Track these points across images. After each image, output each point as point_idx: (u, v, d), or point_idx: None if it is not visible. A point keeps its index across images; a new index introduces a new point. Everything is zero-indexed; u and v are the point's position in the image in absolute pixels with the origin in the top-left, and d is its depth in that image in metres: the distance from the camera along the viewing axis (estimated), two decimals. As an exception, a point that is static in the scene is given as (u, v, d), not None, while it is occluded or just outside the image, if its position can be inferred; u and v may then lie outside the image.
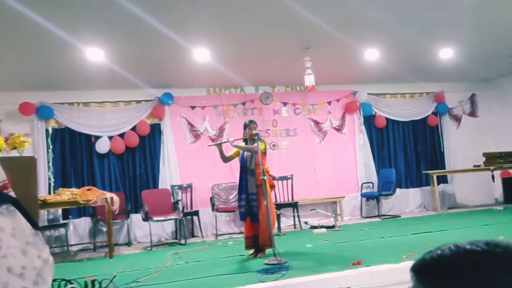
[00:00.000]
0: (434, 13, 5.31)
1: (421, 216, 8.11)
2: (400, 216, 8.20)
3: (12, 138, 3.87)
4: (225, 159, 5.13)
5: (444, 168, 9.16)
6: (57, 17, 4.55)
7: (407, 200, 8.92)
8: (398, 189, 8.57)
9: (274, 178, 5.38)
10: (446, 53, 6.91)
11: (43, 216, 6.80)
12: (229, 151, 5.25)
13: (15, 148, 3.87)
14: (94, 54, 5.64)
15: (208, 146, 5.50)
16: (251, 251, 5.02)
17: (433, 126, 9.30)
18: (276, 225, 6.04)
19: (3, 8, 4.12)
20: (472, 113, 9.55)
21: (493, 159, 8.47)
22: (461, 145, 9.23)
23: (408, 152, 9.13)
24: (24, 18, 4.40)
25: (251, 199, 4.92)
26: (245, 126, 5.14)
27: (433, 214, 8.22)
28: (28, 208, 3.65)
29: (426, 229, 6.14)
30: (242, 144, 5.12)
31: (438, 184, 8.74)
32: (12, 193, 3.63)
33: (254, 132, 5.00)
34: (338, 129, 8.72)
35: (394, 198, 8.59)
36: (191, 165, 7.81)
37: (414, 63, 7.63)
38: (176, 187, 7.62)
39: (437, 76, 8.67)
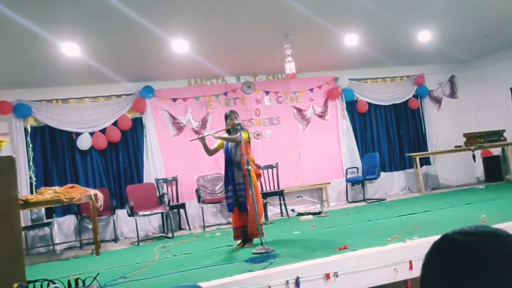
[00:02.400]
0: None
1: (405, 198, 8.21)
2: (385, 199, 8.30)
3: (-11, 138, 3.78)
4: (210, 152, 5.08)
5: (427, 150, 9.29)
6: (30, 11, 4.43)
7: (391, 183, 9.02)
8: (382, 173, 8.66)
9: (259, 167, 5.37)
10: (424, 36, 6.95)
11: (26, 216, 6.69)
12: (213, 143, 5.21)
13: (-8, 148, 3.77)
14: (70, 49, 5.52)
15: (191, 140, 5.42)
16: (239, 241, 5.02)
17: (414, 109, 9.39)
18: (263, 214, 6.03)
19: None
20: (452, 95, 9.68)
21: (473, 139, 8.60)
22: (442, 126, 9.36)
23: (391, 135, 9.21)
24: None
25: (238, 189, 4.90)
26: (226, 117, 5.11)
27: (418, 196, 8.34)
28: (9, 208, 3.58)
29: (411, 211, 6.23)
30: (225, 135, 5.08)
31: (421, 166, 8.87)
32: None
33: (236, 122, 4.96)
34: (321, 115, 8.74)
35: (379, 182, 8.68)
36: (175, 158, 7.76)
37: (394, 47, 7.67)
38: (161, 180, 7.56)
39: (416, 59, 8.74)
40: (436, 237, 0.83)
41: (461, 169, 9.28)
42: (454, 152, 8.83)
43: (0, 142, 3.84)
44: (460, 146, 8.78)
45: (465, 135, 8.78)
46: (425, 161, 9.22)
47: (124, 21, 4.94)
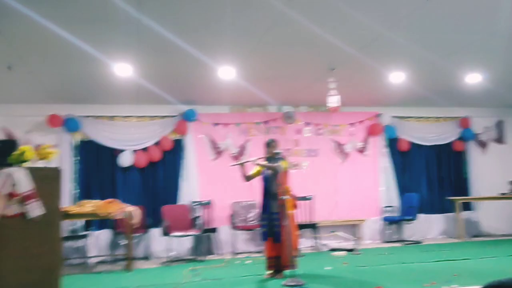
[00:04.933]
0: (461, 37, 5.26)
1: (444, 243, 7.89)
2: (422, 242, 8.01)
3: (40, 149, 3.96)
4: (247, 178, 5.11)
5: (469, 195, 8.94)
6: (87, 33, 4.69)
7: (429, 226, 8.70)
8: (420, 215, 8.37)
9: (295, 198, 5.33)
10: (474, 78, 6.81)
11: (65, 227, 6.89)
12: (250, 170, 5.23)
13: (43, 158, 3.95)
14: (122, 69, 5.77)
15: (232, 165, 5.46)
16: (270, 271, 4.96)
17: (458, 152, 9.12)
18: (297, 246, 5.92)
19: (34, 24, 4.27)
20: (499, 140, 9.34)
21: (520, 187, 8.22)
22: (487, 171, 8.99)
23: (431, 177, 8.95)
24: (55, 34, 4.53)
25: (273, 218, 4.87)
26: (267, 145, 5.14)
27: (457, 242, 7.99)
28: (51, 217, 3.73)
29: (449, 257, 5.98)
30: (265, 163, 5.10)
31: (462, 211, 8.52)
32: (38, 202, 3.71)
33: (275, 151, 4.99)
34: (361, 151, 8.63)
35: (416, 224, 8.39)
36: (212, 182, 7.83)
37: (440, 87, 7.54)
38: (196, 203, 7.63)
39: (463, 101, 8.54)
40: (476, 288, 0.80)
41: (505, 218, 8.84)
42: (499, 200, 8.47)
43: (50, 153, 4.01)
44: (505, 194, 8.41)
45: (511, 182, 8.41)
46: (467, 206, 8.86)
47: (174, 47, 5.12)
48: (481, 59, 6.12)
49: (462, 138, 9.13)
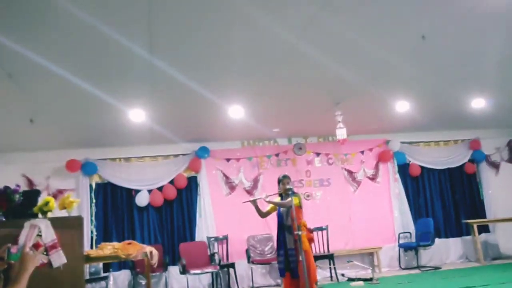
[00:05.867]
0: (462, 68, 5.42)
1: (463, 268, 7.81)
2: (441, 268, 7.94)
3: (62, 199, 4.14)
4: (262, 214, 5.20)
5: (485, 217, 8.88)
6: (104, 84, 4.95)
7: (447, 251, 8.64)
8: (437, 239, 8.33)
9: (311, 231, 5.36)
10: (478, 103, 6.92)
11: (85, 269, 7.01)
12: (265, 206, 5.32)
13: (65, 208, 4.13)
14: (136, 115, 6.01)
15: (244, 202, 5.56)
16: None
17: (471, 174, 9.12)
18: (316, 280, 5.95)
19: (55, 77, 4.53)
20: (511, 160, 9.33)
21: (536, 207, 8.17)
22: (502, 192, 8.95)
23: (445, 200, 8.94)
24: (74, 86, 4.79)
25: (289, 254, 4.93)
26: (279, 181, 5.24)
27: (476, 266, 7.91)
28: (75, 264, 3.88)
29: (469, 283, 5.94)
30: (278, 199, 5.21)
31: (479, 233, 8.46)
32: (61, 252, 3.87)
33: (287, 187, 5.08)
34: (372, 178, 8.70)
35: (434, 249, 8.33)
36: (227, 217, 7.93)
37: (447, 112, 7.65)
38: (212, 238, 7.71)
39: (471, 124, 8.61)
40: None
41: (524, 239, 8.75)
42: (516, 221, 8.41)
43: (72, 202, 4.18)
44: (522, 214, 8.36)
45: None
46: (484, 229, 8.79)
47: (186, 90, 5.35)
48: (483, 86, 6.25)
49: (474, 160, 9.15)
